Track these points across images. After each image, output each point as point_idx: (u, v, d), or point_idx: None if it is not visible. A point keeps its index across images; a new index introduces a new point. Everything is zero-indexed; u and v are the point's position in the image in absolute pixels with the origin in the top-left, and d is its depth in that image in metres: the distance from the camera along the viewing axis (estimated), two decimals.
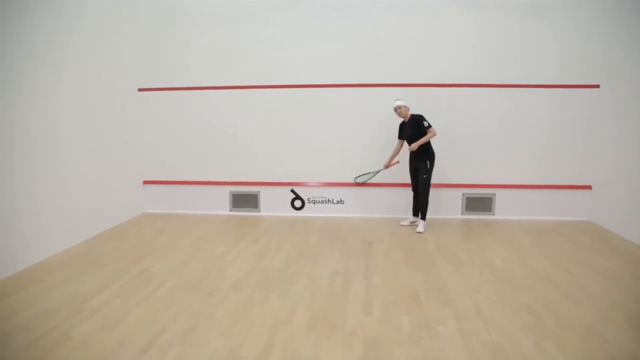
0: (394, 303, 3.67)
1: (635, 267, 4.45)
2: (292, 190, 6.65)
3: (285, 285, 4.05)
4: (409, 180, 6.01)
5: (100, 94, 5.70)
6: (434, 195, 5.97)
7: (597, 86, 5.97)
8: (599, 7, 5.84)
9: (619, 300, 3.71)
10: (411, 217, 6.07)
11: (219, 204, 6.76)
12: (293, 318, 3.42)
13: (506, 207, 6.34)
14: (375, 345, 3.03)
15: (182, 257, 4.82)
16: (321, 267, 4.50)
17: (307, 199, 6.64)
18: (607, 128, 5.87)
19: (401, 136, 5.89)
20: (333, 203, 6.60)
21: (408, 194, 6.11)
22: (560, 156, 6.19)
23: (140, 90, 6.60)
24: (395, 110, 5.70)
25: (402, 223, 6.06)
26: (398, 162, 5.95)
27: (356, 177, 6.20)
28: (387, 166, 6.00)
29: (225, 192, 6.74)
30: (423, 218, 5.81)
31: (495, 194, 6.34)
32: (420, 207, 5.84)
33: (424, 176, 5.70)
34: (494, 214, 6.37)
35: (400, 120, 5.84)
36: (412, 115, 5.69)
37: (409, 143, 5.72)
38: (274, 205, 6.68)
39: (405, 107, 5.67)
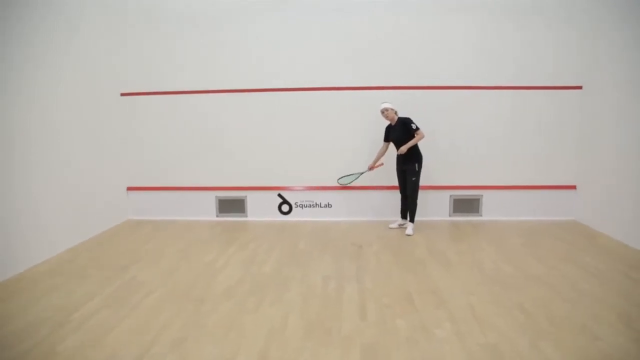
0: (389, 306, 3.64)
1: (622, 265, 4.52)
2: (280, 195, 6.58)
3: (278, 291, 3.99)
4: (396, 183, 6.01)
5: (82, 98, 5.57)
6: (421, 197, 5.99)
7: (580, 87, 6.07)
8: (579, 9, 5.94)
9: (609, 299, 3.76)
10: (400, 220, 6.06)
11: (205, 209, 6.65)
12: (287, 324, 3.37)
13: (493, 209, 6.39)
14: (372, 350, 2.99)
15: (170, 265, 4.72)
16: (313, 272, 4.45)
17: (295, 203, 6.59)
18: (590, 128, 5.97)
19: (387, 139, 5.88)
20: (321, 207, 6.56)
21: (395, 197, 6.11)
22: (545, 157, 6.27)
23: (123, 94, 6.46)
24: (382, 112, 5.70)
25: (391, 226, 6.05)
26: (382, 164, 5.94)
27: (339, 179, 6.15)
28: (372, 168, 5.98)
29: (211, 198, 6.64)
30: (412, 220, 5.81)
31: (482, 196, 6.39)
32: (409, 210, 5.84)
33: (413, 179, 5.70)
34: (481, 215, 6.42)
35: (387, 123, 5.84)
36: (399, 118, 5.69)
37: (397, 146, 5.71)
38: (261, 210, 6.61)
39: (391, 109, 5.67)
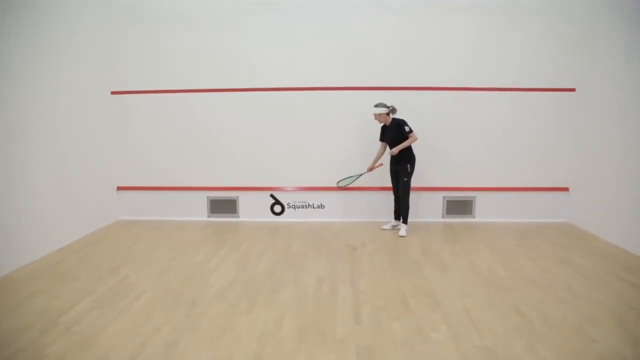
0: (384, 309, 3.61)
1: (616, 267, 4.53)
2: (272, 195, 6.52)
3: (271, 293, 3.93)
4: (389, 184, 5.98)
5: (72, 97, 5.46)
6: (414, 198, 5.98)
7: (573, 90, 6.10)
8: (572, 11, 5.97)
9: (603, 300, 3.76)
10: (393, 221, 6.04)
11: (196, 209, 6.57)
12: (281, 327, 3.31)
13: (486, 210, 6.39)
14: (368, 354, 2.95)
15: (161, 266, 4.64)
16: (306, 274, 4.40)
17: (287, 204, 6.53)
18: (582, 131, 5.99)
19: (383, 139, 5.86)
20: (313, 208, 6.52)
21: (389, 198, 6.08)
22: (537, 159, 6.28)
23: (113, 93, 6.36)
24: (375, 117, 5.68)
25: (384, 227, 6.02)
26: (382, 164, 5.91)
27: (338, 182, 6.13)
28: (371, 169, 5.94)
29: (202, 198, 6.56)
30: (405, 222, 5.79)
31: (475, 197, 6.39)
32: (401, 211, 5.82)
33: (405, 179, 5.69)
34: (474, 217, 6.41)
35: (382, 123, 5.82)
36: (394, 119, 5.67)
37: (391, 146, 5.70)
38: (253, 210, 6.54)
39: (381, 114, 5.63)
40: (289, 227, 6.18)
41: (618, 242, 5.24)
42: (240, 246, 5.30)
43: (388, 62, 6.21)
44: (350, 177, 6.07)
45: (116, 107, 6.39)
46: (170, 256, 4.95)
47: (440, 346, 3.05)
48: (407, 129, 5.56)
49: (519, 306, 3.64)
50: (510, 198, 6.35)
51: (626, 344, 3.07)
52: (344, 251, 5.12)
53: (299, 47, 6.25)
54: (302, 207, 6.53)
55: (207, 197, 6.55)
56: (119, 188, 6.57)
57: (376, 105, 5.65)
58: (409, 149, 5.67)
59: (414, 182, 5.81)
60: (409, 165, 5.67)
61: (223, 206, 6.56)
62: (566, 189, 6.29)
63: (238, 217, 6.57)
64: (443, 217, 6.44)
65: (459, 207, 6.41)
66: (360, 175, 6.01)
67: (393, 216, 6.05)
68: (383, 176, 6.04)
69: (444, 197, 6.41)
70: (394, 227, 5.99)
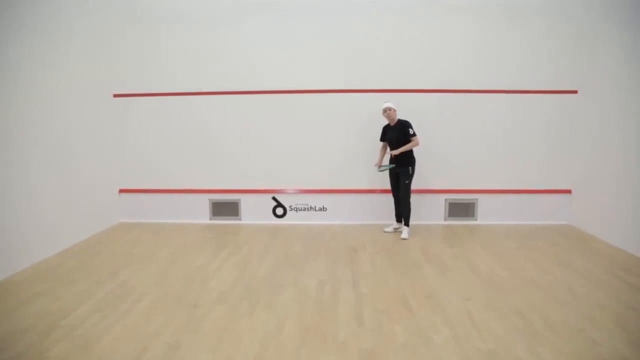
0: (385, 312, 3.59)
1: (617, 269, 4.51)
2: (274, 198, 6.52)
3: (272, 296, 3.93)
4: (389, 186, 5.97)
5: (72, 97, 5.47)
6: (416, 201, 5.97)
7: (576, 92, 6.09)
8: (572, 11, 5.96)
9: (604, 303, 3.74)
10: (395, 224, 6.03)
11: (198, 212, 6.58)
12: (283, 330, 3.31)
13: (488, 213, 6.38)
14: (370, 357, 2.94)
15: (162, 269, 4.63)
16: (307, 276, 4.39)
17: (289, 207, 6.53)
18: (585, 133, 5.98)
19: (383, 138, 5.85)
20: (315, 210, 6.51)
21: (390, 200, 6.07)
22: (540, 161, 6.27)
23: (115, 96, 6.38)
24: (385, 111, 5.65)
25: (386, 229, 6.01)
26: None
27: (380, 168, 5.81)
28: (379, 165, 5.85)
29: (204, 200, 6.57)
30: (407, 224, 5.78)
31: (477, 200, 6.37)
32: (403, 213, 5.81)
33: (406, 181, 5.68)
34: (476, 219, 6.40)
35: (385, 122, 5.80)
36: (399, 120, 5.67)
37: (392, 146, 5.69)
38: (255, 213, 6.54)
39: (394, 110, 5.63)
40: (290, 229, 6.17)
41: (620, 244, 5.22)
42: (242, 249, 5.29)
43: (388, 62, 6.21)
44: (389, 165, 5.80)
45: (118, 110, 6.40)
46: (171, 259, 4.95)
47: (442, 348, 3.04)
48: (411, 131, 5.56)
49: (521, 308, 3.63)
50: (513, 200, 6.33)
51: (627, 345, 3.05)
52: (345, 253, 5.11)
53: (299, 47, 6.26)
54: (304, 209, 6.52)
55: (209, 199, 6.56)
56: (121, 190, 6.58)
57: (387, 101, 5.69)
58: (410, 152, 5.66)
59: (417, 184, 5.79)
60: (410, 168, 5.66)
61: (225, 209, 6.56)
62: (569, 191, 6.27)
63: (240, 219, 6.57)
64: (445, 219, 6.43)
65: (462, 209, 6.40)
66: (391, 166, 5.77)
67: (395, 219, 6.04)
68: (383, 179, 6.04)
69: (446, 200, 6.40)
70: (396, 230, 5.98)
